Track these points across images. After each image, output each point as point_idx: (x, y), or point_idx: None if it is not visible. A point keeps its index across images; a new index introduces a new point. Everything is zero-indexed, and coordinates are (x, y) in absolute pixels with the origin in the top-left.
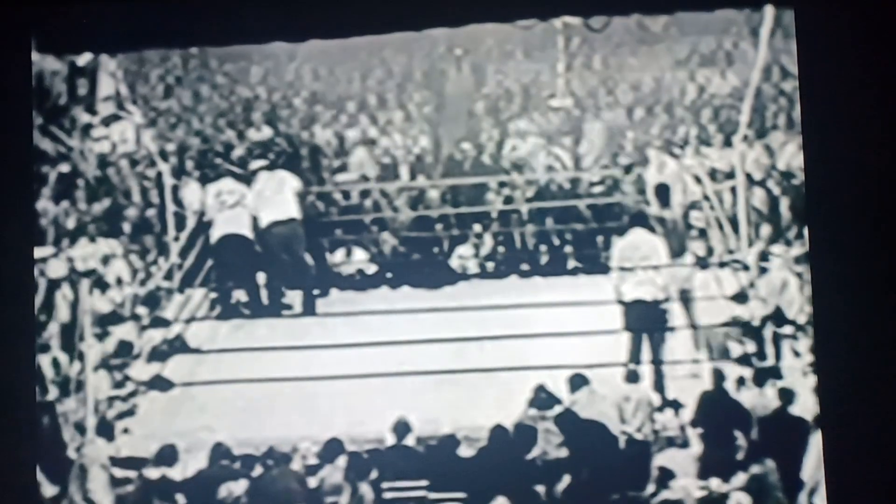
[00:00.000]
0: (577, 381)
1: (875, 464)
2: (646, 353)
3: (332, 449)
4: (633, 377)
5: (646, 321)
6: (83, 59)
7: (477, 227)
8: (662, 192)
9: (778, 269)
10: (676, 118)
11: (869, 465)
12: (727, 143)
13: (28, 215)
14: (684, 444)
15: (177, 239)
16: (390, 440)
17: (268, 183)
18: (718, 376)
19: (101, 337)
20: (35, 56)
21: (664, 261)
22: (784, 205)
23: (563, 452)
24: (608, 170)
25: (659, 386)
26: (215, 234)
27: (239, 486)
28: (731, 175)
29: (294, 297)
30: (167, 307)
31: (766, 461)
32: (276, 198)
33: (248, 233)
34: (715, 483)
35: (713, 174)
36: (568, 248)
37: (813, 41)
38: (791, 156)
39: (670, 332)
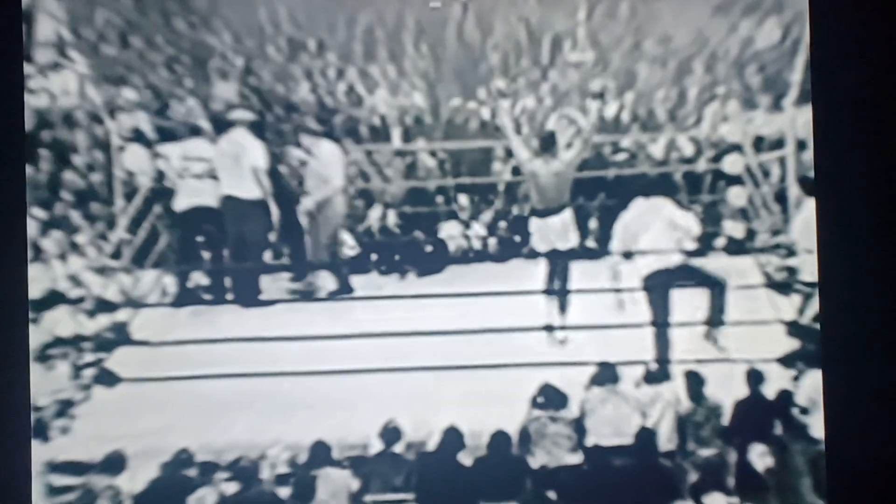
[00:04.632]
0: (606, 376)
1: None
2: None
3: (315, 455)
4: (659, 376)
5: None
6: None
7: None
8: (547, 140)
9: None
10: (717, 75)
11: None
12: (776, 105)
13: None
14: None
15: (125, 210)
16: (377, 446)
17: (229, 148)
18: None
19: (37, 322)
20: None
21: (679, 220)
22: None
23: (577, 458)
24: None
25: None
26: (178, 206)
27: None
28: (780, 143)
29: (263, 281)
30: (114, 289)
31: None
32: (237, 167)
33: (213, 203)
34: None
35: (758, 143)
36: (592, 224)
37: None
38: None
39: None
